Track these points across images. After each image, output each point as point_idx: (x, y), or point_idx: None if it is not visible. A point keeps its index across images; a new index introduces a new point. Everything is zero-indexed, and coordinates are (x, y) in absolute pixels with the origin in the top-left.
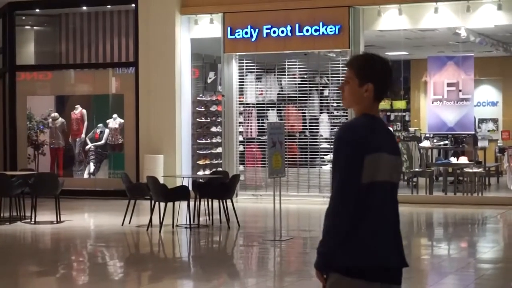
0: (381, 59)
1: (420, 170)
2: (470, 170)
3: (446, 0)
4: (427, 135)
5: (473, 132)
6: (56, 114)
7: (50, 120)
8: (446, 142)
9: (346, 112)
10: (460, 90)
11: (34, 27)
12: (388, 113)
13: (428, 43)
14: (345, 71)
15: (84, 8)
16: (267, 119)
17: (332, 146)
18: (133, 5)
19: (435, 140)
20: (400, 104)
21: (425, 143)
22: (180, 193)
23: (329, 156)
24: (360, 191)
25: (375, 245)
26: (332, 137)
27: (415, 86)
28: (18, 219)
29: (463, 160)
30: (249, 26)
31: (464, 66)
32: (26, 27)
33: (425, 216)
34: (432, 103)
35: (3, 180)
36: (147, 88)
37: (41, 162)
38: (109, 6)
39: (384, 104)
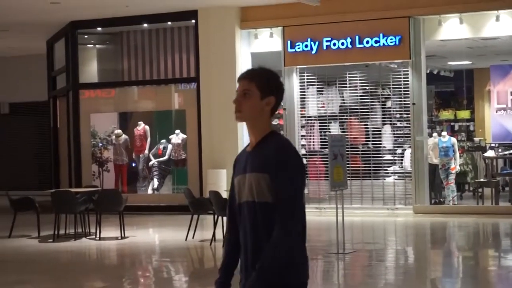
0: (276, 73)
1: (486, 180)
2: None
3: (508, 8)
4: (492, 145)
5: None
6: (119, 131)
7: (114, 137)
8: None
9: (409, 123)
10: None
11: (97, 45)
12: (452, 123)
13: (490, 52)
14: (406, 82)
15: (145, 25)
16: (329, 132)
17: (393, 158)
18: (193, 21)
19: (500, 150)
20: (464, 114)
21: (490, 153)
22: None
23: (393, 168)
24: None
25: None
26: (396, 148)
27: (479, 96)
28: (83, 236)
29: None
30: (309, 39)
31: None
32: (89, 45)
33: (491, 227)
34: (496, 112)
35: (68, 197)
36: (208, 103)
37: (105, 178)
38: (169, 23)
39: (448, 114)
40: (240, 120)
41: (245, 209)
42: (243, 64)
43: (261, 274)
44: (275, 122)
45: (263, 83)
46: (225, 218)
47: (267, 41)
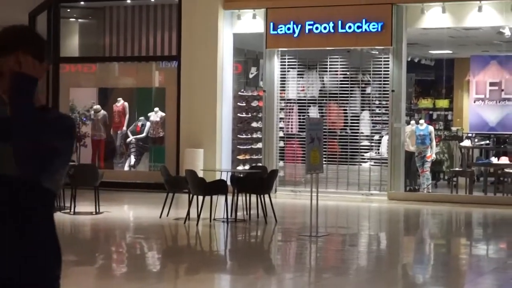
0: None
1: (461, 169)
2: (511, 171)
3: None
4: (469, 135)
5: None
6: (98, 107)
7: (92, 112)
8: (488, 141)
9: (387, 110)
10: (502, 90)
11: (79, 20)
12: (431, 112)
13: (472, 42)
14: (387, 69)
15: (128, 1)
16: (308, 115)
17: (370, 144)
18: None
19: (476, 140)
20: (442, 103)
21: (466, 143)
22: (218, 187)
23: (369, 154)
24: None
25: None
26: (373, 134)
27: (459, 85)
28: (58, 210)
29: (504, 160)
30: (291, 22)
31: (507, 66)
32: (71, 19)
33: (465, 216)
34: (474, 102)
35: None
36: (189, 82)
37: (82, 153)
38: (153, 0)
39: (427, 103)
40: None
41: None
42: (225, 44)
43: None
44: (254, 103)
45: (42, 47)
46: (200, 198)
47: (250, 22)
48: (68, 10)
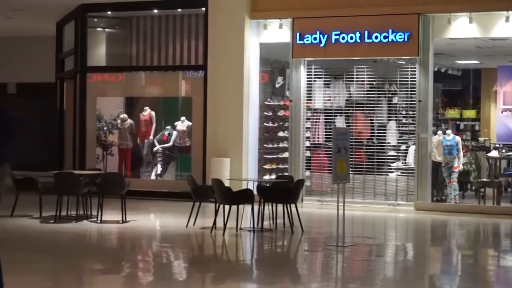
0: None
1: (488, 180)
2: None
3: None
4: (496, 145)
5: None
6: (125, 116)
7: (119, 121)
8: None
9: (414, 120)
10: None
11: (106, 29)
12: (458, 122)
13: (499, 52)
14: (413, 79)
15: (155, 11)
16: (335, 125)
17: (397, 154)
18: (203, 9)
19: (503, 151)
20: (469, 113)
21: (494, 153)
22: (244, 197)
23: (396, 164)
24: None
25: None
26: (400, 144)
27: (486, 96)
28: (84, 218)
29: None
30: (318, 32)
31: None
32: (98, 29)
33: (492, 227)
34: (502, 112)
35: (71, 179)
36: (215, 91)
37: (109, 162)
38: (179, 10)
39: (454, 113)
40: None
41: None
42: (252, 54)
43: None
44: (280, 113)
45: None
46: (226, 207)
47: (276, 32)
48: (95, 19)
